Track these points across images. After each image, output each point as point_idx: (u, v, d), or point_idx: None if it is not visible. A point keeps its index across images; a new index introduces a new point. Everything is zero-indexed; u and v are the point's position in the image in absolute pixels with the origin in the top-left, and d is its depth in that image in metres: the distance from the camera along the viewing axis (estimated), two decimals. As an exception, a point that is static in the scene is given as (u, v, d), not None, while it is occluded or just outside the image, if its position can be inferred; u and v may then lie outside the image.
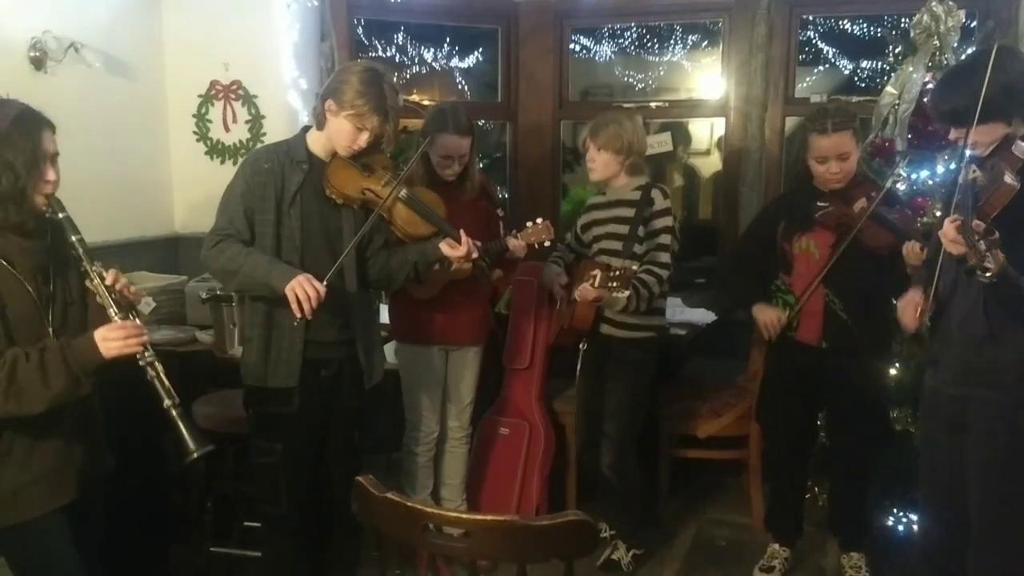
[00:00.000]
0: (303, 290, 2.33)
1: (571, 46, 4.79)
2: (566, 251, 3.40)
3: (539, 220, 3.10)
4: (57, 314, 1.98)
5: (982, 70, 2.14)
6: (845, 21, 5.45)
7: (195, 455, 1.93)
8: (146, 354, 1.93)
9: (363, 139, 2.48)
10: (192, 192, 4.17)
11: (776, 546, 3.28)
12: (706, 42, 5.89)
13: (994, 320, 2.15)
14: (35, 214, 1.95)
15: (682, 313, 3.99)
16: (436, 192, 2.86)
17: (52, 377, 1.84)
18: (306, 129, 2.63)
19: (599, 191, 3.35)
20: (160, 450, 3.00)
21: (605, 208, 3.23)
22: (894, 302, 2.49)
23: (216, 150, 4.18)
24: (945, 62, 3.32)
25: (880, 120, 3.46)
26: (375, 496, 1.60)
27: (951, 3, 3.35)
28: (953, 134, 2.28)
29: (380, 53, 5.24)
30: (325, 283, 2.37)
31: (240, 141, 4.15)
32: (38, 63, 3.38)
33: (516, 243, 3.07)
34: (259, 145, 3.92)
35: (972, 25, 3.69)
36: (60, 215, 1.98)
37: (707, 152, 6.80)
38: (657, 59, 6.35)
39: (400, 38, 5.48)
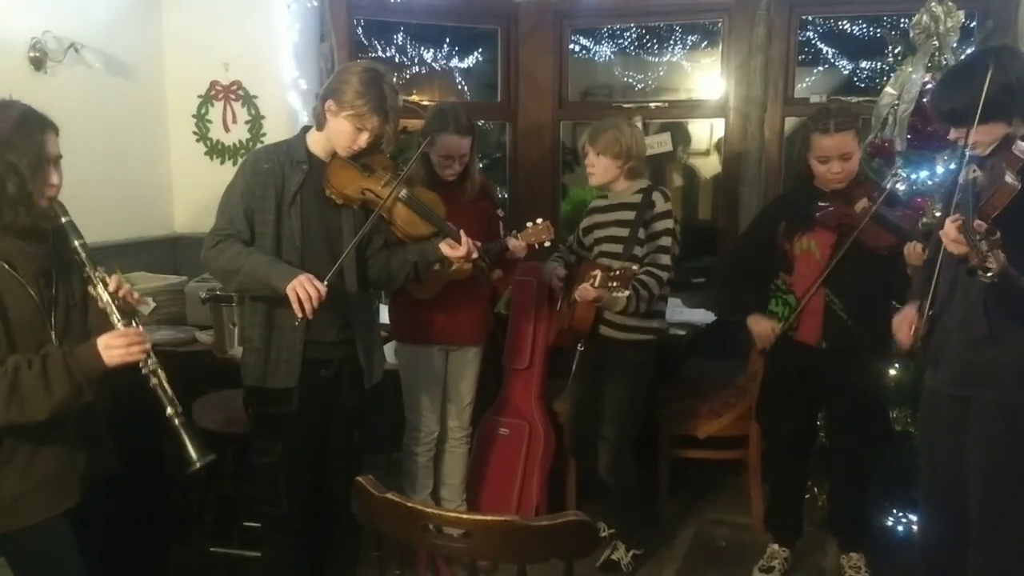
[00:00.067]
0: (304, 290, 2.33)
1: (571, 46, 4.79)
2: (567, 252, 3.40)
3: (539, 220, 3.10)
4: (59, 318, 1.97)
5: (982, 70, 2.15)
6: (844, 21, 5.45)
7: (197, 465, 1.93)
8: (149, 362, 1.92)
9: (363, 139, 2.48)
10: (192, 192, 4.17)
11: (776, 546, 3.29)
12: (706, 42, 5.89)
13: (994, 320, 2.15)
14: (38, 219, 1.94)
15: (682, 313, 3.99)
16: (436, 192, 2.86)
17: (54, 385, 1.83)
18: (306, 129, 2.63)
19: (600, 194, 3.35)
20: (160, 450, 3.00)
21: (606, 211, 3.23)
22: (894, 303, 2.50)
23: (216, 150, 4.18)
24: (944, 62, 3.33)
25: (879, 120, 3.46)
26: (375, 496, 1.60)
27: (950, 3, 3.35)
28: (953, 134, 2.28)
29: (380, 53, 5.24)
30: (326, 283, 2.37)
31: (240, 141, 4.15)
32: (38, 63, 3.38)
33: (516, 243, 3.07)
34: (259, 145, 3.92)
35: (971, 25, 3.69)
36: (63, 219, 1.97)
37: (706, 152, 6.80)
38: (657, 59, 6.35)
39: (400, 38, 5.49)
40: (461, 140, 3.08)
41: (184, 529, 3.27)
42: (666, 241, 3.11)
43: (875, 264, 2.88)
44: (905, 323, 2.37)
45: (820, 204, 2.96)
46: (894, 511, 3.32)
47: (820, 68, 5.94)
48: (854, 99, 4.18)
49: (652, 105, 4.76)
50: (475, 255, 2.68)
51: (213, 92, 4.14)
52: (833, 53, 5.86)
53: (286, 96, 4.06)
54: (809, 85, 5.68)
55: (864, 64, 5.77)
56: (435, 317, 3.16)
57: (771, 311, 3.14)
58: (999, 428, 2.19)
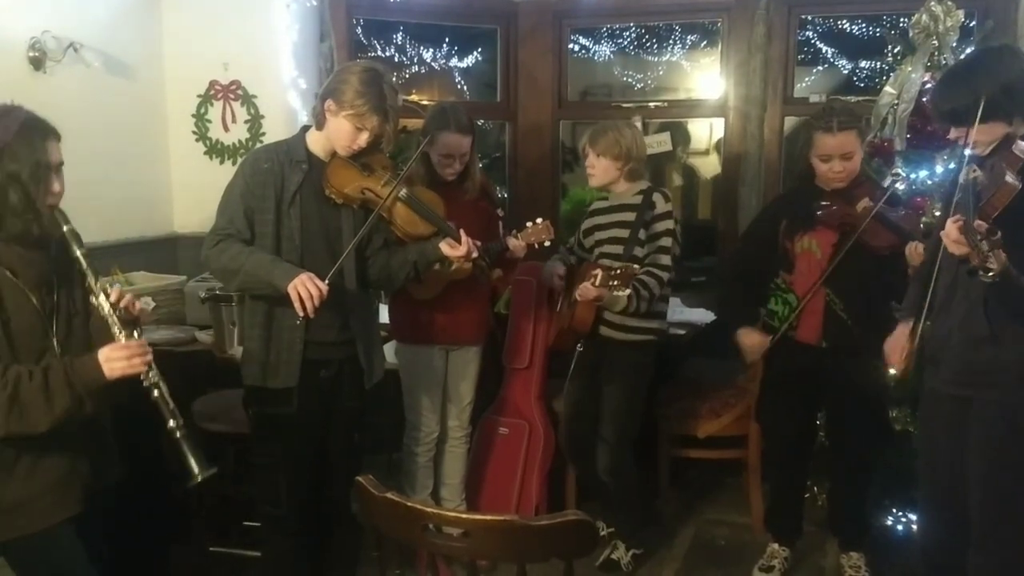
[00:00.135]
0: (305, 289, 2.33)
1: (570, 46, 4.79)
2: (567, 254, 3.40)
3: (539, 220, 3.10)
4: (61, 325, 1.97)
5: (982, 70, 2.15)
6: (844, 21, 5.45)
7: (199, 479, 1.93)
8: (150, 375, 1.92)
9: (363, 139, 2.48)
10: (191, 192, 4.17)
11: (776, 546, 3.28)
12: (705, 42, 5.89)
13: (995, 320, 2.15)
14: (40, 227, 1.92)
15: (681, 313, 3.99)
16: (437, 192, 2.86)
17: (55, 397, 1.83)
18: (305, 129, 2.63)
19: (601, 195, 3.35)
20: (160, 449, 3.00)
21: (607, 213, 3.23)
22: (894, 304, 2.50)
23: (215, 150, 4.18)
24: (944, 62, 3.32)
25: (879, 120, 3.46)
26: (375, 496, 1.60)
27: (950, 3, 3.34)
28: (953, 133, 2.28)
29: (379, 53, 5.24)
30: (327, 282, 2.37)
31: (239, 141, 4.15)
32: (37, 63, 3.38)
33: (516, 243, 3.07)
34: (258, 145, 3.92)
35: (971, 25, 3.69)
36: (64, 227, 1.96)
37: (706, 152, 6.80)
38: (656, 59, 6.35)
39: (399, 38, 5.48)
40: (462, 139, 3.07)
41: (184, 529, 3.26)
42: (666, 242, 3.11)
43: (876, 264, 2.88)
44: (897, 349, 2.40)
45: (822, 204, 2.96)
46: (894, 511, 3.32)
47: (819, 68, 5.94)
48: (853, 99, 4.18)
49: (651, 105, 4.76)
50: (475, 255, 2.68)
51: (212, 92, 4.13)
52: (832, 53, 5.86)
53: (285, 96, 4.06)
54: (808, 85, 5.68)
55: (863, 64, 5.77)
56: (435, 317, 3.15)
57: (771, 310, 3.14)
58: (999, 428, 2.19)
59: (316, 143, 2.57)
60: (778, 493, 3.33)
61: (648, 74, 6.41)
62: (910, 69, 3.38)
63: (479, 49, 5.62)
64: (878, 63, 5.05)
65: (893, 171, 3.24)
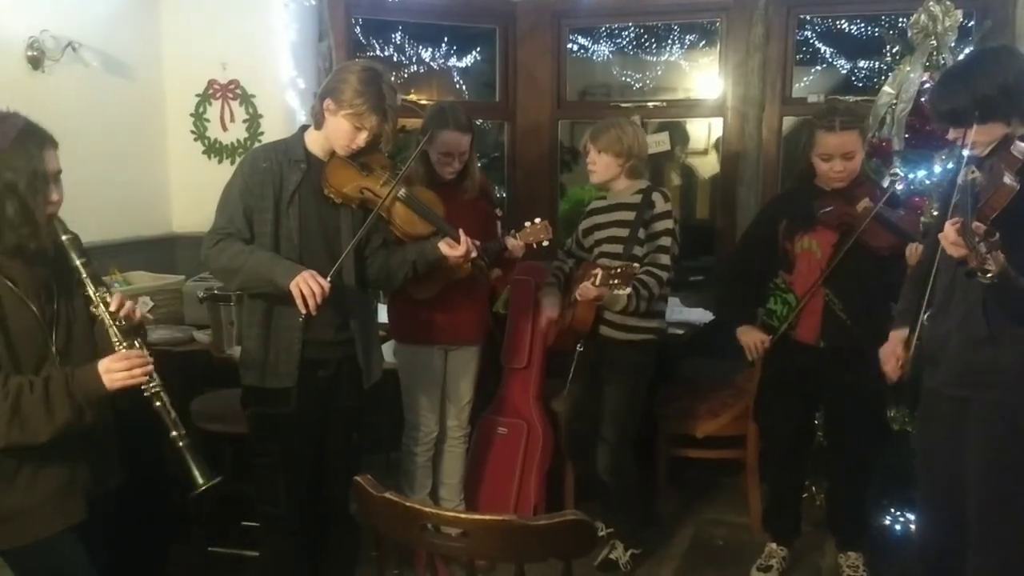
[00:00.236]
0: (307, 286, 2.33)
1: (569, 46, 4.79)
2: (565, 258, 3.40)
3: (537, 220, 3.10)
4: (61, 334, 1.95)
5: (980, 70, 2.15)
6: (842, 21, 5.45)
7: (202, 488, 1.93)
8: (151, 384, 1.91)
9: (361, 138, 2.48)
10: (189, 191, 4.16)
11: (774, 545, 3.29)
12: (704, 42, 5.89)
13: (993, 321, 2.15)
14: (39, 237, 1.90)
15: (680, 313, 3.99)
16: (436, 192, 2.86)
17: (56, 408, 1.82)
18: (304, 128, 2.63)
19: (599, 195, 3.35)
20: (160, 450, 2.99)
21: (605, 212, 3.23)
22: (893, 304, 2.50)
23: (214, 149, 4.18)
24: (943, 62, 3.33)
25: (877, 120, 3.46)
26: (373, 496, 1.60)
27: (948, 3, 3.34)
28: (952, 134, 2.28)
29: (378, 52, 5.24)
30: (329, 279, 2.37)
31: (238, 140, 4.15)
32: (36, 62, 3.37)
33: (514, 243, 3.07)
34: (257, 144, 3.92)
35: (970, 25, 3.69)
36: (63, 237, 1.94)
37: (705, 152, 6.81)
38: (655, 59, 6.35)
39: (398, 37, 5.49)
40: (461, 137, 3.07)
41: (183, 529, 3.26)
42: (666, 241, 3.11)
43: (876, 264, 2.88)
44: (892, 357, 2.41)
45: (822, 204, 2.96)
46: (892, 511, 3.32)
47: (818, 68, 5.94)
48: (852, 98, 4.18)
49: (650, 104, 4.76)
50: (474, 254, 2.68)
51: (211, 91, 4.13)
52: (831, 52, 5.87)
53: (284, 95, 4.05)
54: (807, 84, 5.68)
55: (862, 63, 5.78)
56: (434, 317, 3.15)
57: (770, 309, 3.14)
58: (998, 429, 2.19)
59: (315, 143, 2.57)
60: (776, 493, 3.34)
61: (647, 74, 6.42)
62: (908, 69, 3.38)
63: (478, 49, 5.62)
64: (876, 63, 5.05)
65: (892, 171, 3.24)
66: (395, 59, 5.48)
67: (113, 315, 1.92)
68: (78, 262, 1.94)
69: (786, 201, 3.23)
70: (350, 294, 2.56)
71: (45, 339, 1.92)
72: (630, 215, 3.13)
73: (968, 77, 2.19)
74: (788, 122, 4.39)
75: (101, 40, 3.70)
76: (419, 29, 5.42)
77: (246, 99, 4.11)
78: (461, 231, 2.65)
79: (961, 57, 3.06)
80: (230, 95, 4.12)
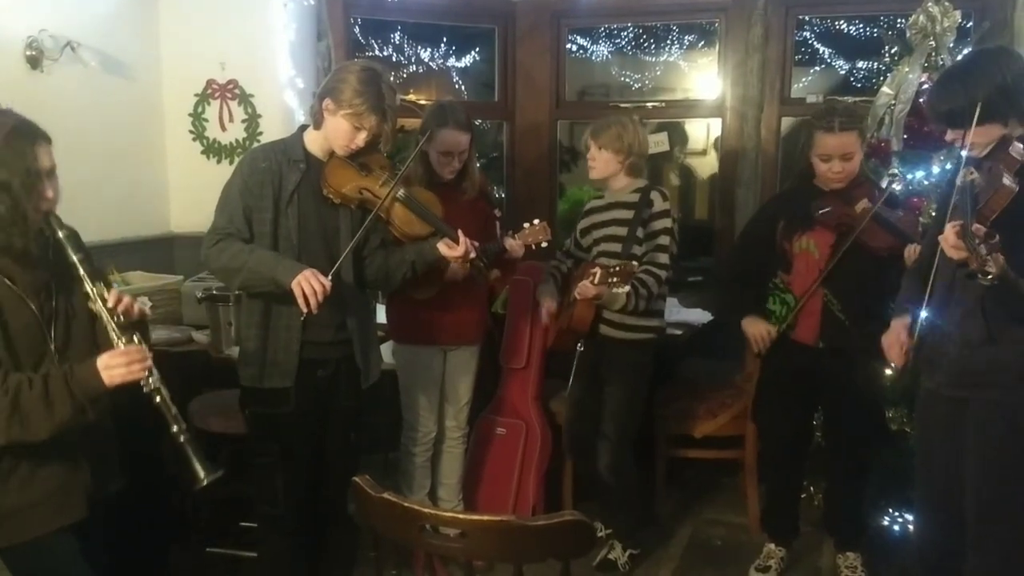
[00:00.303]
0: (309, 285, 2.33)
1: (568, 46, 4.79)
2: (563, 258, 3.40)
3: (536, 221, 3.09)
4: (59, 331, 1.95)
5: (978, 71, 2.15)
6: (841, 21, 5.45)
7: (205, 482, 1.92)
8: (151, 380, 1.90)
9: (361, 138, 2.48)
10: (188, 191, 4.16)
11: (772, 546, 3.29)
12: (702, 42, 5.89)
13: (992, 321, 2.15)
14: (35, 235, 1.90)
15: (678, 313, 3.99)
16: (435, 192, 2.86)
17: (56, 405, 1.82)
18: (303, 128, 2.63)
19: (597, 193, 3.35)
20: (159, 451, 2.99)
21: (603, 211, 3.24)
22: (892, 305, 2.50)
23: (212, 149, 4.17)
24: (941, 62, 3.33)
25: (876, 120, 3.46)
26: (372, 496, 1.60)
27: (947, 3, 3.35)
28: (950, 135, 2.28)
29: (377, 52, 5.24)
30: (330, 278, 2.37)
31: (236, 140, 4.14)
32: (34, 62, 3.37)
33: (513, 243, 3.07)
34: (255, 144, 3.91)
35: (968, 25, 3.70)
36: (60, 233, 1.93)
37: (703, 152, 6.82)
38: (654, 59, 6.35)
39: (397, 37, 5.48)
40: (461, 135, 3.07)
41: (182, 530, 3.26)
42: (665, 240, 3.11)
43: (874, 265, 2.88)
44: (896, 344, 2.38)
45: (820, 204, 2.96)
46: (891, 511, 3.33)
47: (817, 68, 5.94)
48: (850, 99, 4.18)
49: (649, 105, 4.76)
50: (473, 255, 2.68)
51: (210, 91, 4.13)
52: (830, 53, 5.87)
53: (283, 95, 4.05)
54: (806, 85, 5.69)
55: (861, 64, 5.78)
56: (433, 317, 3.15)
57: (768, 309, 3.14)
58: (997, 429, 2.19)
59: (314, 142, 2.57)
60: (774, 493, 3.34)
61: (646, 74, 6.42)
62: (907, 70, 3.39)
63: (477, 49, 5.62)
64: (875, 63, 5.05)
65: (890, 171, 3.24)
66: (394, 59, 5.48)
67: (111, 311, 1.91)
68: (75, 258, 1.93)
69: (785, 201, 3.23)
70: (349, 294, 2.56)
71: (44, 337, 1.92)
72: (628, 214, 3.13)
73: (966, 78, 2.19)
74: (787, 122, 4.39)
75: (100, 40, 3.69)
76: (418, 29, 5.42)
77: (245, 99, 4.11)
78: (460, 232, 2.65)
79: (959, 58, 3.06)
80: (229, 95, 4.12)
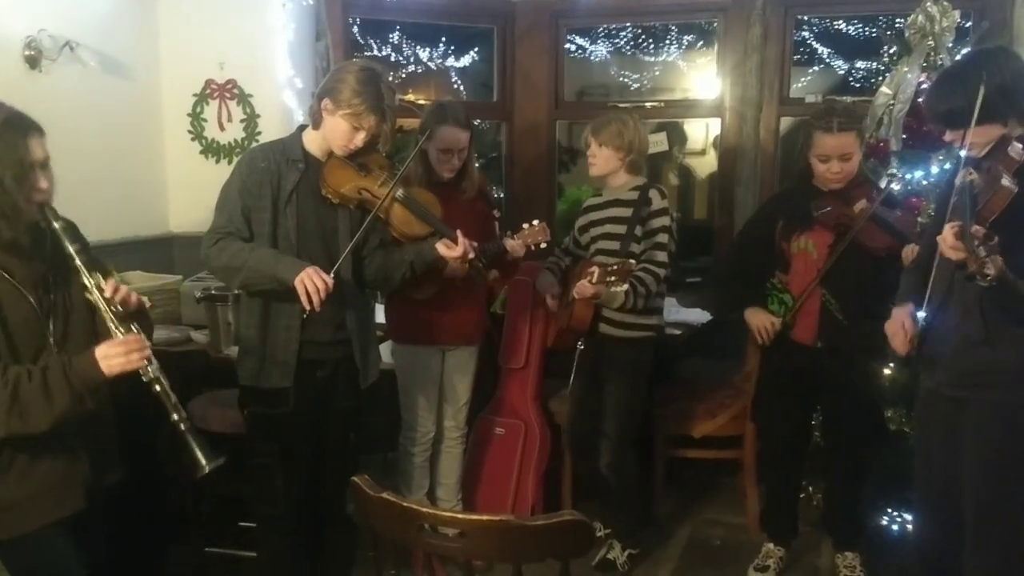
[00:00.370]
0: (312, 282, 2.33)
1: (567, 46, 4.79)
2: (562, 256, 3.40)
3: (535, 222, 3.10)
4: (58, 324, 1.95)
5: (977, 71, 2.15)
6: (840, 21, 5.46)
7: (207, 469, 1.92)
8: (150, 369, 1.90)
9: (359, 138, 2.48)
10: (187, 191, 4.16)
11: (771, 546, 3.29)
12: (701, 42, 5.90)
13: (991, 322, 2.15)
14: (30, 227, 1.89)
15: (677, 313, 4.00)
16: (434, 192, 2.86)
17: (55, 396, 1.81)
18: (302, 128, 2.63)
19: (595, 192, 3.35)
20: (157, 454, 2.99)
21: (601, 208, 3.24)
22: (891, 306, 2.49)
23: (211, 149, 4.17)
24: (940, 62, 3.33)
25: (875, 120, 3.46)
26: (371, 496, 1.60)
27: (946, 3, 3.35)
28: (949, 136, 2.28)
29: (376, 52, 5.24)
30: (332, 275, 2.37)
31: (235, 140, 4.14)
32: (33, 62, 3.36)
33: (513, 244, 3.07)
34: (254, 144, 3.91)
35: (967, 25, 3.70)
36: (56, 224, 1.92)
37: (702, 152, 6.82)
38: (653, 59, 6.36)
39: (396, 37, 5.49)
40: (460, 133, 3.07)
41: (181, 529, 3.26)
42: (663, 238, 3.11)
43: (873, 265, 2.88)
44: (900, 332, 2.35)
45: (819, 204, 2.96)
46: (889, 511, 3.32)
47: (816, 68, 5.95)
48: (849, 99, 4.19)
49: (648, 105, 4.77)
50: (471, 255, 2.68)
51: (208, 91, 4.12)
52: (829, 53, 5.88)
53: (281, 95, 4.05)
54: (805, 85, 5.70)
55: (859, 64, 5.79)
56: (432, 317, 3.15)
57: (768, 309, 3.13)
58: (995, 429, 2.19)
59: (313, 142, 2.57)
60: (773, 493, 3.34)
61: (644, 74, 6.43)
62: (906, 69, 3.39)
63: (476, 49, 5.63)
64: (874, 63, 5.05)
65: (889, 171, 3.24)
66: (393, 59, 5.48)
67: (108, 301, 1.91)
68: (71, 248, 1.92)
69: (784, 201, 3.23)
70: (348, 294, 2.56)
71: (43, 330, 1.92)
72: (626, 212, 3.13)
73: (964, 78, 2.19)
74: (786, 122, 4.40)
75: (98, 40, 3.69)
76: (417, 29, 5.43)
77: (243, 99, 4.11)
78: (459, 232, 2.65)
79: (958, 58, 3.06)
80: (227, 95, 4.12)
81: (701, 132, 6.70)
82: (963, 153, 2.18)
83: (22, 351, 1.87)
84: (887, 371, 3.20)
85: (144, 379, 1.90)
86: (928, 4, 3.35)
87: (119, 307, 1.92)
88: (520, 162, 4.65)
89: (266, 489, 2.59)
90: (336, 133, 2.48)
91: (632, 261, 2.93)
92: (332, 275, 2.38)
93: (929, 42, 3.37)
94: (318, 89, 2.55)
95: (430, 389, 3.25)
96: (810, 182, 3.05)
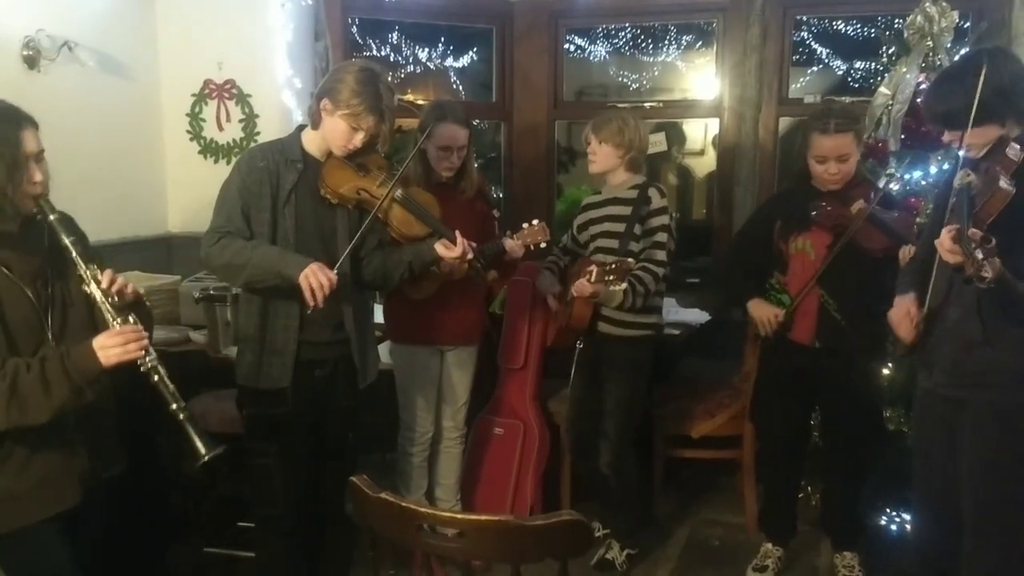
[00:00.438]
0: (316, 279, 2.33)
1: (566, 46, 4.79)
2: (560, 255, 3.41)
3: (535, 222, 3.09)
4: (56, 318, 1.95)
5: (975, 73, 2.14)
6: (839, 22, 5.46)
7: (206, 458, 1.92)
8: (147, 359, 1.90)
9: (358, 139, 2.48)
10: (186, 192, 4.16)
11: (769, 546, 3.29)
12: (700, 43, 5.90)
13: (988, 323, 2.15)
14: (23, 219, 1.90)
15: (676, 313, 4.00)
16: (433, 192, 2.86)
17: (54, 388, 1.81)
18: (301, 128, 2.63)
19: (594, 190, 3.35)
20: (156, 451, 2.99)
21: (600, 207, 3.24)
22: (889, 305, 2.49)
23: (210, 149, 4.17)
24: (939, 63, 3.33)
25: (874, 121, 3.46)
26: (369, 496, 1.60)
27: (944, 4, 3.35)
28: (947, 137, 2.28)
29: (374, 52, 5.24)
30: (336, 272, 2.37)
31: (234, 140, 4.14)
32: (31, 62, 3.36)
33: (513, 244, 3.07)
34: (253, 144, 3.91)
35: (966, 26, 3.70)
36: (51, 216, 1.92)
37: (701, 152, 6.82)
38: (651, 59, 6.36)
39: (395, 37, 5.48)
40: (459, 130, 3.08)
41: (183, 528, 3.26)
42: (662, 237, 3.11)
43: (871, 266, 2.88)
44: (905, 319, 2.33)
45: (816, 204, 2.96)
46: (888, 511, 3.33)
47: (814, 68, 5.96)
48: (848, 99, 4.19)
49: (647, 105, 4.76)
50: (470, 256, 2.68)
51: (207, 91, 4.12)
52: (827, 53, 5.88)
53: (280, 95, 4.05)
54: (803, 85, 5.70)
55: (858, 64, 5.79)
56: (430, 317, 3.15)
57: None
58: (994, 429, 2.19)
59: (311, 143, 2.56)
60: (772, 493, 3.34)
61: (643, 74, 6.43)
62: (905, 70, 3.39)
63: (475, 49, 5.63)
64: (873, 64, 5.06)
65: (888, 171, 3.24)
66: (392, 59, 5.48)
67: (105, 292, 1.91)
68: (67, 240, 1.92)
69: (782, 202, 3.24)
70: (346, 295, 2.56)
71: (41, 324, 1.92)
72: (625, 210, 3.14)
73: (962, 79, 2.19)
74: (784, 123, 4.39)
75: (97, 39, 3.69)
76: (416, 29, 5.42)
77: (242, 99, 4.11)
78: (457, 232, 2.65)
79: (956, 59, 3.06)
80: (226, 95, 4.12)
81: (700, 132, 6.70)
82: (961, 153, 2.18)
83: (21, 345, 1.88)
84: (886, 371, 3.20)
85: (142, 369, 1.90)
86: (927, 4, 3.35)
87: (116, 298, 1.92)
88: (519, 162, 4.65)
89: (265, 489, 2.59)
90: (335, 133, 2.48)
91: (631, 260, 2.93)
92: (336, 270, 2.38)
93: (928, 42, 3.37)
94: (317, 89, 2.55)
95: (429, 389, 3.25)
96: (808, 183, 3.05)
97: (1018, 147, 2.12)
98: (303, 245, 2.50)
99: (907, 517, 3.22)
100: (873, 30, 5.12)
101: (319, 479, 2.65)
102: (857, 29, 5.52)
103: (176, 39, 4.09)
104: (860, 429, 3.06)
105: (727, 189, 4.32)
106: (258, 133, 4.10)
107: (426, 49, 5.70)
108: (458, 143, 3.08)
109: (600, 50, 6.14)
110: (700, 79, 5.83)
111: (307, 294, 2.34)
